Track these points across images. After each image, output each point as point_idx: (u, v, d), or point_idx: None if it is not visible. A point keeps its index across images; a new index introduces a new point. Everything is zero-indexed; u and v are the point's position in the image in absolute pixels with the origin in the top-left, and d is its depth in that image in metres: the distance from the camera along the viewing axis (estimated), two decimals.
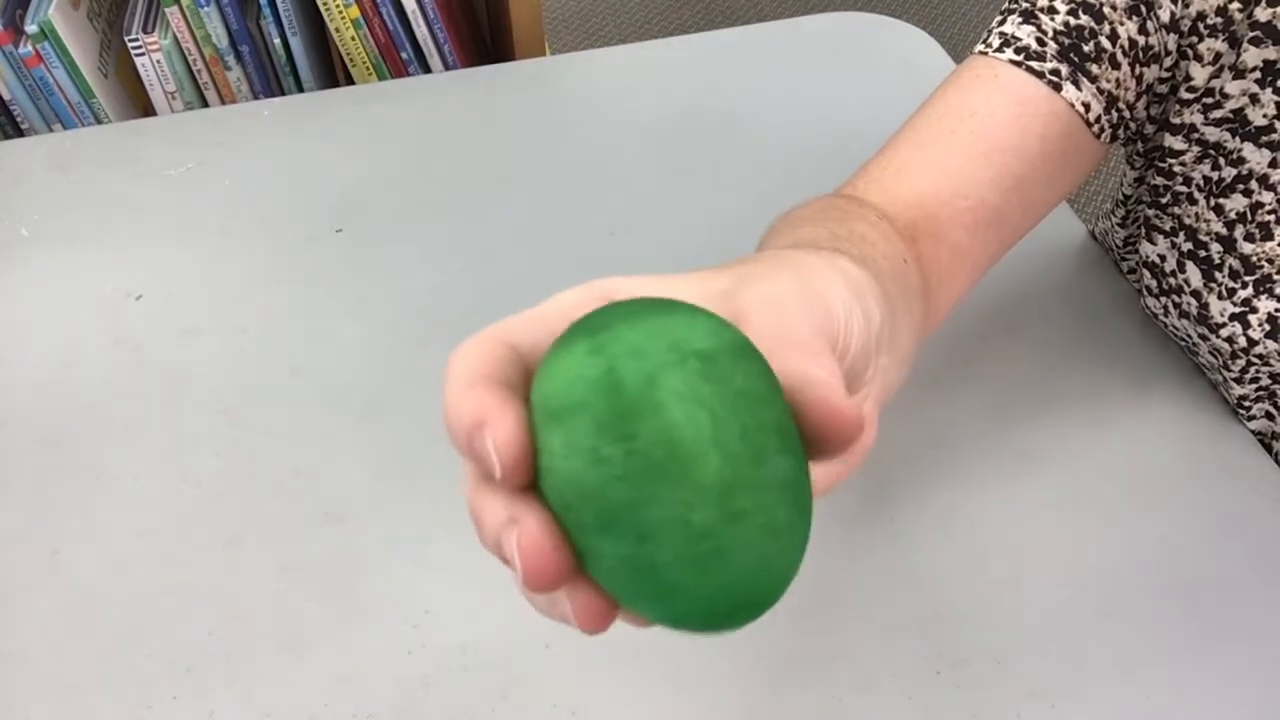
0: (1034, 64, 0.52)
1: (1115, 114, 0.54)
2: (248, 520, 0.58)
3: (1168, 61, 0.53)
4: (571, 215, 0.77)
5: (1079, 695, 0.51)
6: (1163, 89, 0.55)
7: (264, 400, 0.64)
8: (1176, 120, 0.54)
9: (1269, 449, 0.62)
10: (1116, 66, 0.52)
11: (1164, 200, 0.58)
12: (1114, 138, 0.56)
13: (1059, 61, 0.52)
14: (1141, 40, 0.52)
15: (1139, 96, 0.54)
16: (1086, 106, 0.52)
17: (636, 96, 0.87)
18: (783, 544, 0.23)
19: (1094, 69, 0.52)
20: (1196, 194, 0.55)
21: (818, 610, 0.54)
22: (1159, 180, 0.57)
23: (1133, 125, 0.56)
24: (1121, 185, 0.66)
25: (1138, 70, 0.53)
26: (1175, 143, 0.55)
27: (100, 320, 0.69)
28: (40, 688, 0.52)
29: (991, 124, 0.52)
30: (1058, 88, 0.52)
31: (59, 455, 0.61)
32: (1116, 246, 0.70)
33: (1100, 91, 0.53)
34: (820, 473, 0.30)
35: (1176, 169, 0.56)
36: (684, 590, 0.23)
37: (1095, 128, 0.54)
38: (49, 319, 0.69)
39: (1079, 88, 0.52)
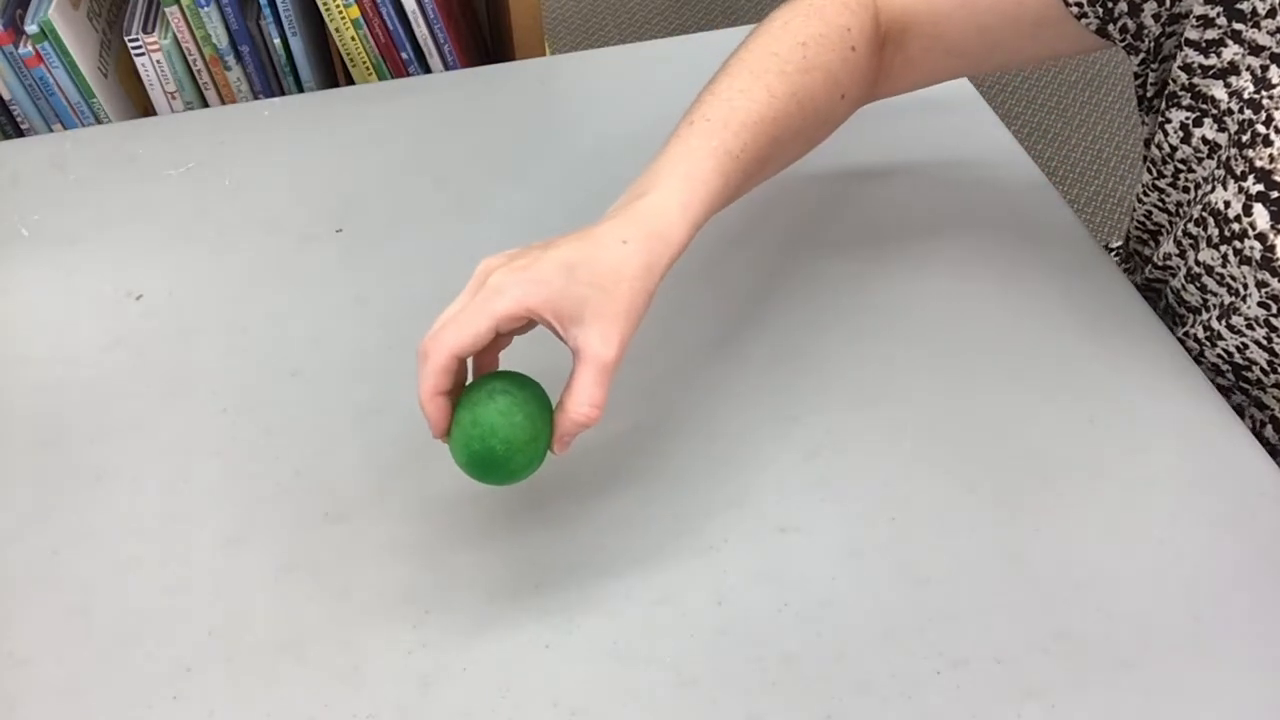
0: None
1: (1104, 6, 0.62)
2: (248, 520, 0.58)
3: None
4: (571, 215, 0.77)
5: (1079, 695, 0.51)
6: (1208, 10, 0.58)
7: (264, 400, 0.64)
8: None
9: (1270, 449, 0.62)
10: None
11: (1244, 139, 0.58)
12: (1103, 32, 0.63)
13: None
14: None
15: None
16: None
17: (636, 96, 0.87)
18: (522, 461, 0.50)
19: None
20: (1274, 135, 0.56)
21: (818, 610, 0.54)
22: (1247, 114, 0.58)
23: (1130, 25, 0.62)
24: (1163, 142, 0.66)
25: None
26: (1272, 75, 0.57)
27: (100, 320, 0.69)
28: (40, 688, 0.52)
29: None
30: None
31: (59, 455, 0.62)
32: (1169, 211, 0.70)
33: None
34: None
35: (1265, 102, 0.57)
36: (487, 457, 0.50)
37: (1074, 9, 0.62)
38: (49, 319, 0.69)
39: None
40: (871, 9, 0.64)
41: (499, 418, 0.49)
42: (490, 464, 0.50)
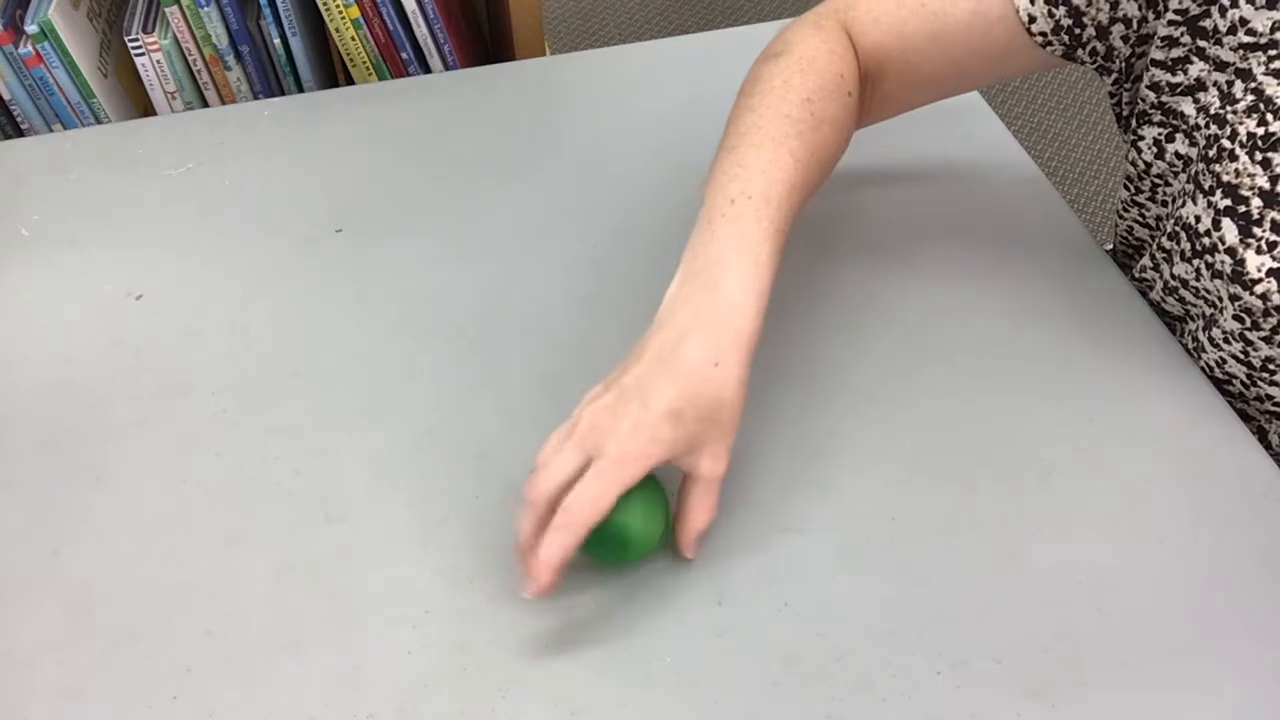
0: None
1: (1071, 34, 0.62)
2: (248, 520, 0.58)
3: (1173, 3, 0.58)
4: (571, 215, 0.77)
5: (1079, 695, 0.51)
6: (1172, 30, 0.59)
7: (264, 400, 0.64)
8: (1244, 66, 0.56)
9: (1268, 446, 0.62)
10: None
11: (1210, 154, 0.58)
12: (1070, 57, 0.64)
13: None
14: None
15: (1113, 21, 0.61)
16: (1031, 19, 0.62)
17: (636, 96, 0.87)
18: (642, 548, 0.54)
19: None
20: (1239, 150, 0.56)
21: (818, 610, 0.54)
22: (1213, 130, 0.58)
23: (1100, 48, 0.63)
24: (1138, 159, 0.66)
25: None
26: (1236, 90, 0.57)
27: (100, 320, 0.69)
28: (40, 688, 0.52)
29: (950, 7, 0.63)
30: None
31: (59, 455, 0.62)
32: (1149, 226, 0.70)
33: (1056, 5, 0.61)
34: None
35: (1229, 117, 0.57)
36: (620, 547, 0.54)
37: (1038, 39, 0.63)
38: (49, 319, 0.69)
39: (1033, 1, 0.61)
40: (854, 51, 0.65)
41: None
42: (609, 549, 0.54)
